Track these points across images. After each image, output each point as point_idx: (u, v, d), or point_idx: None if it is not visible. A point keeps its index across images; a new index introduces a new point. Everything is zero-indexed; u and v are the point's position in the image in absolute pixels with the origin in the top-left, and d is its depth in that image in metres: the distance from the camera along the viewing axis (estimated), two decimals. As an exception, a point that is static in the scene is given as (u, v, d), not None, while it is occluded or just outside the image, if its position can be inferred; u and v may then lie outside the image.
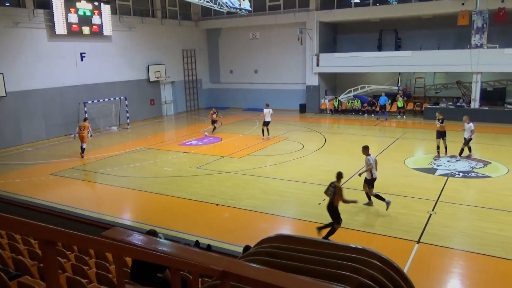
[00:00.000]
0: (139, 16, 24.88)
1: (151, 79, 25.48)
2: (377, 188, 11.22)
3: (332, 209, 8.32)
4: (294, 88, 27.58)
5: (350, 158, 15.21)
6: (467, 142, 14.30)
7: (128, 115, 23.02)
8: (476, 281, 7.16)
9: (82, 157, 16.09)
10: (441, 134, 14.60)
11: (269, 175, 13.33)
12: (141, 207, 11.34)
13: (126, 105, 22.91)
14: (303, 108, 26.87)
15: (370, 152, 10.16)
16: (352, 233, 8.83)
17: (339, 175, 8.43)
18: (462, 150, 14.38)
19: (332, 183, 8.41)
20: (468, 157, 14.46)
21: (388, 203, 9.68)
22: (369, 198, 10.15)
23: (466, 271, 7.51)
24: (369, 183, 10.03)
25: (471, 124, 14.26)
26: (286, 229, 9.42)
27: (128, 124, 22.96)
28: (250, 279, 2.25)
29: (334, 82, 28.76)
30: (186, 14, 28.78)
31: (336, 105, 25.96)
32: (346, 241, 4.01)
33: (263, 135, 18.45)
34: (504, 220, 9.35)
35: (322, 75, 26.48)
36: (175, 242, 5.13)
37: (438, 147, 14.74)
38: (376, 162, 10.15)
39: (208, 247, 7.79)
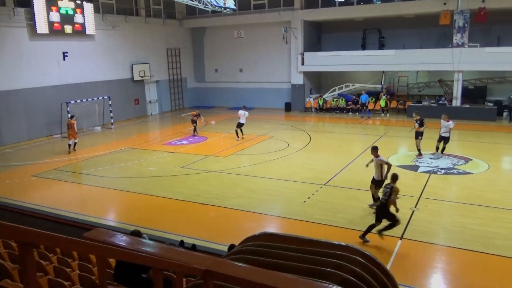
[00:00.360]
0: (122, 14, 24.59)
1: (135, 79, 25.23)
2: (360, 185, 11.41)
3: (385, 210, 8.16)
4: (279, 87, 27.67)
5: (335, 156, 15.36)
6: (447, 140, 14.48)
7: (112, 115, 22.74)
8: (458, 276, 7.30)
9: (70, 152, 16.52)
10: (418, 134, 14.51)
11: (255, 173, 13.35)
12: (125, 207, 11.24)
13: (110, 105, 22.63)
14: (288, 107, 26.98)
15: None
16: (336, 230, 8.92)
17: (395, 177, 8.42)
18: (443, 148, 14.60)
19: (388, 184, 8.39)
20: (437, 152, 14.65)
21: None
22: (375, 200, 10.08)
23: (448, 266, 7.65)
24: (377, 184, 10.01)
25: (450, 122, 14.42)
26: (272, 228, 9.46)
27: (112, 124, 22.70)
28: (233, 277, 2.26)
29: (319, 81, 28.95)
30: (171, 13, 28.58)
31: (321, 104, 26.11)
32: (329, 238, 4.05)
33: (238, 137, 18.37)
34: (484, 215, 9.57)
35: (307, 74, 26.62)
36: (160, 242, 5.11)
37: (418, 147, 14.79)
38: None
39: (193, 247, 7.78)
